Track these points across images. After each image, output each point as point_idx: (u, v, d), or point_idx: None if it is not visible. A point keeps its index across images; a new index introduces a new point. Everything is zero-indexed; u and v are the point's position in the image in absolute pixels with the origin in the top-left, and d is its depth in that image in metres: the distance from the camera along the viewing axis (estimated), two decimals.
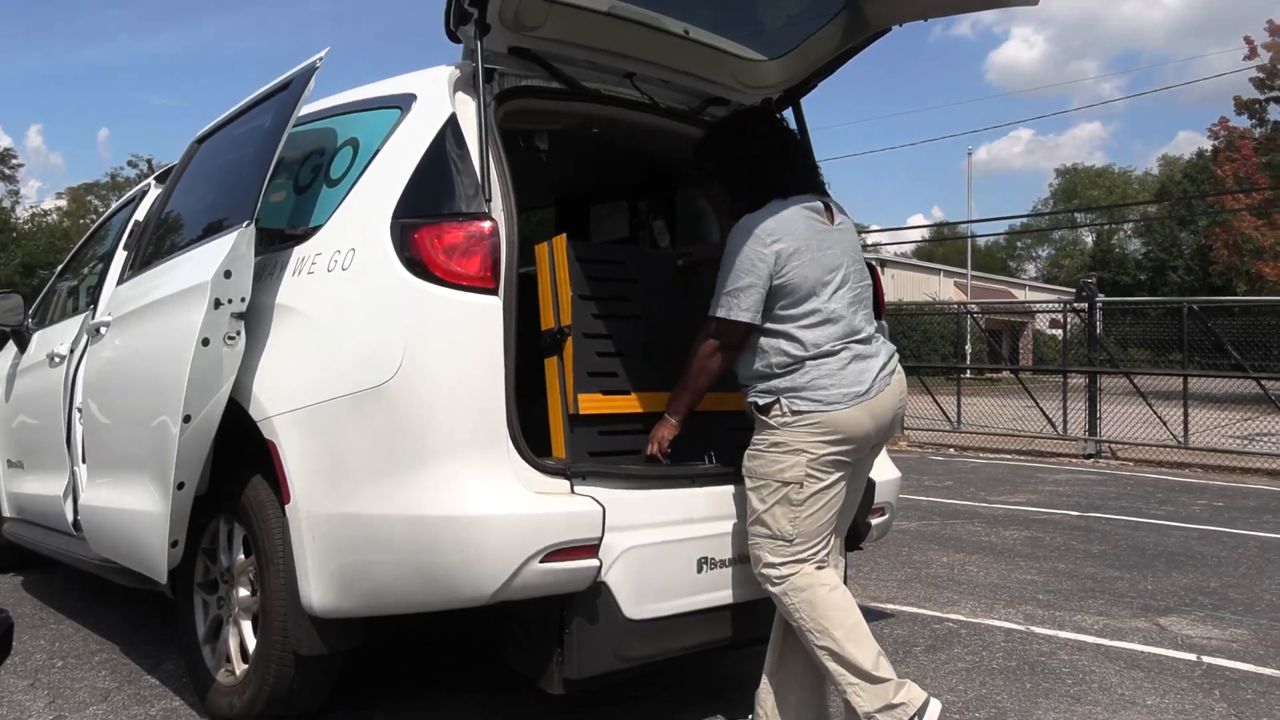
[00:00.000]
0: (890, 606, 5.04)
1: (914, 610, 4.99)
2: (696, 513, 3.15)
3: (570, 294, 3.12)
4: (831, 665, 2.92)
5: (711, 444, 3.37)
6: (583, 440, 3.11)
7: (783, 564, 2.97)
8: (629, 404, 3.26)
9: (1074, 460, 12.74)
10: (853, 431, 2.97)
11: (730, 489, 3.23)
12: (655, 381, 3.31)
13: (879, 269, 4.12)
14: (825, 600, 2.94)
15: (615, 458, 3.15)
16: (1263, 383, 12.95)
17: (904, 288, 38.72)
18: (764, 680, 3.18)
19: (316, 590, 2.97)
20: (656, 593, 3.05)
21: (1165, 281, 55.30)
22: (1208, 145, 37.38)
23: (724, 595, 3.23)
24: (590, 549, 2.84)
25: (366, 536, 2.90)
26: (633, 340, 3.30)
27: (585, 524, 2.84)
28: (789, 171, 3.15)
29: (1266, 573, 6.05)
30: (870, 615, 4.76)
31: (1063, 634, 4.64)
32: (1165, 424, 12.83)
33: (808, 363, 2.97)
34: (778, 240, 2.97)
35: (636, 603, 2.99)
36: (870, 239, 47.19)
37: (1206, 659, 4.30)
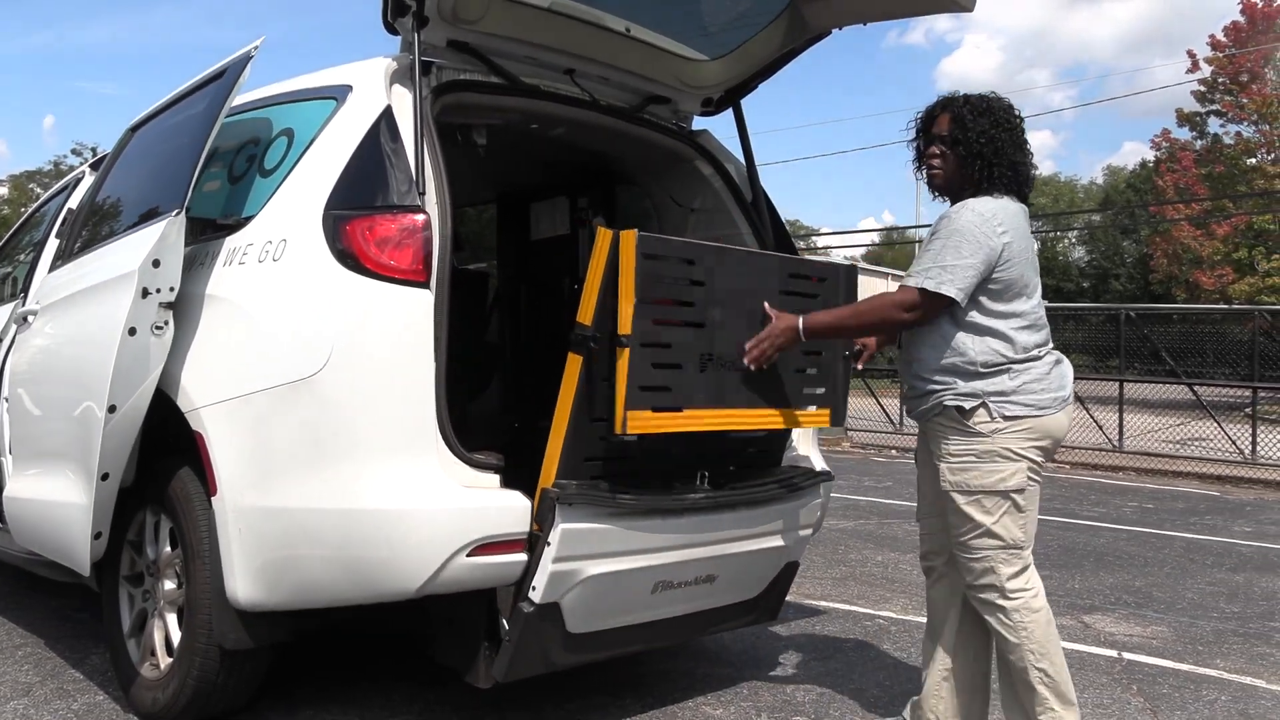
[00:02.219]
0: (824, 604, 5.10)
1: (847, 607, 5.05)
2: (672, 542, 3.14)
3: (634, 301, 2.84)
4: (1041, 688, 2.90)
5: (706, 463, 3.27)
6: (583, 452, 2.98)
7: (1015, 574, 2.92)
8: (682, 422, 2.99)
9: None
10: (1057, 435, 2.97)
11: (716, 517, 3.21)
12: (713, 398, 3.06)
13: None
14: (1050, 621, 2.95)
15: (612, 481, 3.03)
16: (1195, 389, 13.26)
17: None
18: (934, 684, 3.19)
19: (243, 583, 2.95)
20: (605, 613, 3.08)
21: (1108, 289, 56.27)
22: (1151, 156, 38.16)
23: (671, 610, 3.27)
24: (518, 543, 2.85)
25: (293, 529, 2.88)
26: (691, 352, 3.01)
27: (513, 518, 2.85)
28: (1026, 170, 3.07)
29: (1189, 573, 6.20)
30: (803, 612, 4.83)
31: None
32: (1101, 428, 13.10)
33: (1015, 366, 2.91)
34: (1006, 232, 2.91)
35: (583, 621, 3.02)
36: (820, 241, 47.56)
37: (1127, 655, 4.41)
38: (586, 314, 2.89)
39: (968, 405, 2.90)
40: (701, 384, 3.01)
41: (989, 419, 2.89)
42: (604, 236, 2.91)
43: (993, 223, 2.89)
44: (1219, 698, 3.85)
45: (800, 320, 3.01)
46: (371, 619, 3.16)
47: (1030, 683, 2.91)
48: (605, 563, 2.97)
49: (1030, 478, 2.92)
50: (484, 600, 2.93)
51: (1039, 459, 2.94)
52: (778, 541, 3.50)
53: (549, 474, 2.92)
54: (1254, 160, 31.18)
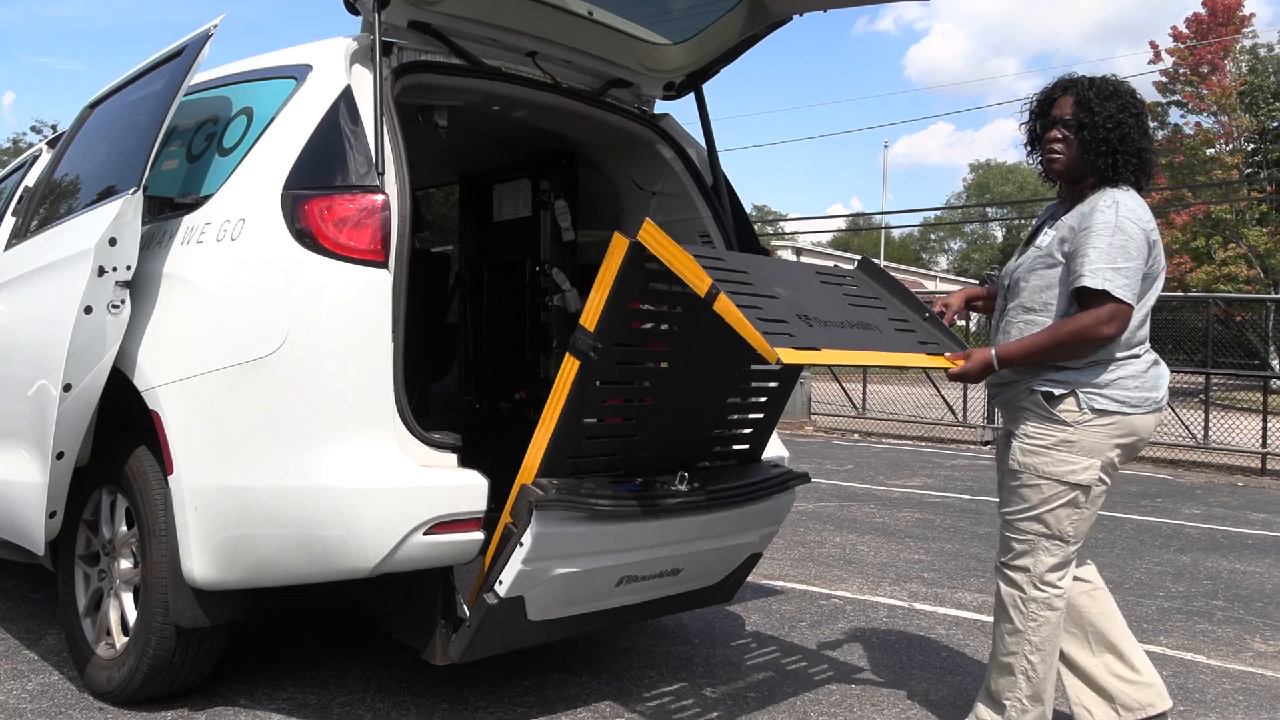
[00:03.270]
0: (781, 584, 5.17)
1: (804, 588, 5.12)
2: (645, 541, 3.15)
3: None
4: (1020, 677, 2.93)
5: (690, 459, 3.28)
6: (568, 450, 2.96)
7: (1054, 568, 2.88)
8: (826, 356, 2.78)
9: (972, 446, 13.13)
10: (1142, 436, 2.92)
11: (691, 519, 3.22)
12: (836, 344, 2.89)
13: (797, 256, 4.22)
14: (1060, 625, 2.95)
15: (595, 477, 3.03)
16: None
17: None
18: (1079, 683, 3.15)
19: (199, 562, 2.96)
20: (567, 603, 3.12)
21: None
22: None
23: (633, 599, 3.31)
24: (474, 522, 2.88)
25: (250, 508, 2.89)
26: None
27: (470, 497, 2.87)
28: (1151, 158, 2.98)
29: (1139, 553, 6.34)
30: (761, 592, 4.89)
31: (942, 610, 4.82)
32: None
33: (1115, 360, 2.87)
34: (1154, 230, 2.86)
35: (545, 610, 3.05)
36: (788, 227, 47.72)
37: None
38: (591, 319, 2.80)
39: (1058, 392, 2.86)
40: (816, 335, 2.78)
41: (1076, 409, 2.85)
42: (619, 245, 2.77)
43: (1146, 220, 2.85)
44: (1160, 672, 3.92)
45: (993, 353, 2.89)
46: (328, 597, 3.18)
47: (1011, 666, 2.94)
48: (575, 561, 3.00)
49: (1101, 476, 2.89)
50: (440, 578, 2.96)
51: (1118, 458, 2.90)
52: (748, 538, 3.56)
53: (530, 469, 2.92)
54: (1213, 151, 31.63)
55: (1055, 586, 2.91)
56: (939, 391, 14.81)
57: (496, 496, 3.37)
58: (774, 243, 41.80)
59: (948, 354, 2.97)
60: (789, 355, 2.47)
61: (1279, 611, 4.99)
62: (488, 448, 3.62)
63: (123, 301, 3.11)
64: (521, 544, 2.82)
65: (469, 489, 2.88)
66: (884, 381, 17.41)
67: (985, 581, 5.43)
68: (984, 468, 10.80)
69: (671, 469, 3.20)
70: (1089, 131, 2.91)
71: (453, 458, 2.93)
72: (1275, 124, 31.26)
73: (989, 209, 67.95)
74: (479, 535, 2.90)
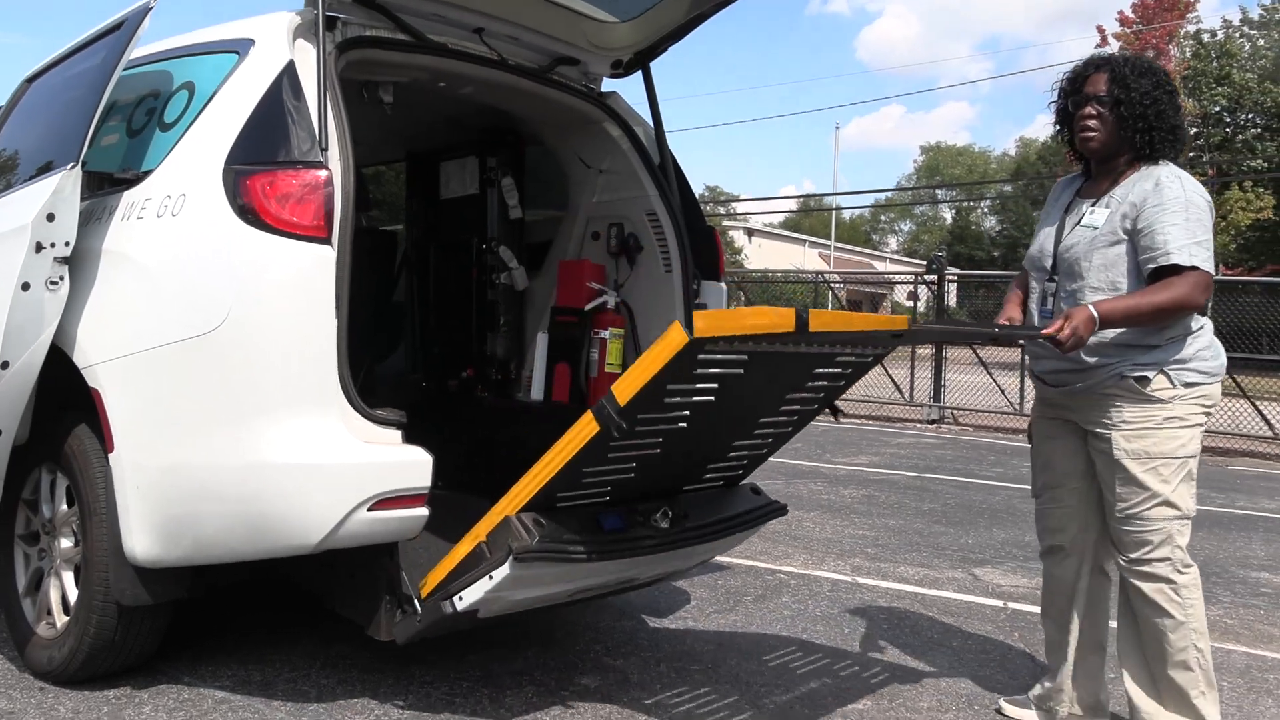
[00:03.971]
0: (726, 559, 5.23)
1: (748, 563, 5.19)
2: (611, 571, 3.15)
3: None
4: (1196, 669, 2.87)
5: (676, 485, 3.26)
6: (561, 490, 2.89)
7: (1185, 548, 2.87)
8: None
9: (919, 425, 13.32)
10: (1217, 402, 2.94)
11: (663, 555, 3.19)
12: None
13: (718, 231, 4.27)
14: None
15: (581, 512, 2.99)
16: None
17: (770, 257, 39.43)
18: (1066, 665, 3.18)
19: (140, 540, 2.95)
20: (518, 606, 3.13)
21: (1017, 258, 57.63)
22: None
23: (580, 596, 3.35)
24: (419, 498, 2.90)
25: (191, 485, 2.88)
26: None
27: (414, 473, 2.89)
28: (1185, 135, 3.00)
29: None
30: (706, 568, 4.95)
31: (885, 584, 4.91)
32: (1003, 392, 13.54)
33: (1190, 334, 2.90)
34: (1210, 204, 2.92)
35: (495, 612, 3.06)
36: (740, 208, 47.84)
37: (1012, 605, 4.63)
38: (624, 394, 2.60)
39: (1151, 374, 2.87)
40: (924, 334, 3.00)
41: (1169, 386, 2.87)
42: (677, 339, 2.46)
43: (1206, 194, 2.89)
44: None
45: (1092, 309, 2.80)
46: (273, 574, 3.18)
47: (1187, 662, 2.87)
48: (540, 588, 3.01)
49: (1201, 446, 2.92)
50: (386, 554, 2.97)
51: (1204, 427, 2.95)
52: (712, 554, 3.63)
53: (516, 500, 2.84)
54: None
55: (1192, 563, 2.91)
56: (886, 371, 14.98)
57: (444, 474, 3.39)
58: (725, 223, 41.91)
59: (1046, 330, 2.84)
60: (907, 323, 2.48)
61: None
62: (435, 425, 3.62)
63: (61, 278, 3.07)
64: (491, 577, 2.79)
65: (413, 465, 2.90)
66: None
67: (927, 556, 5.54)
68: (930, 446, 10.97)
69: (659, 494, 3.18)
70: (1125, 108, 2.92)
71: (397, 434, 2.94)
72: (1217, 108, 31.87)
73: (939, 191, 68.66)
74: (423, 511, 2.91)
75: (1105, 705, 3.21)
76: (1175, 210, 2.82)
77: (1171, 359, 2.88)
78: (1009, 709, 3.33)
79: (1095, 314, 2.78)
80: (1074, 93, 3.05)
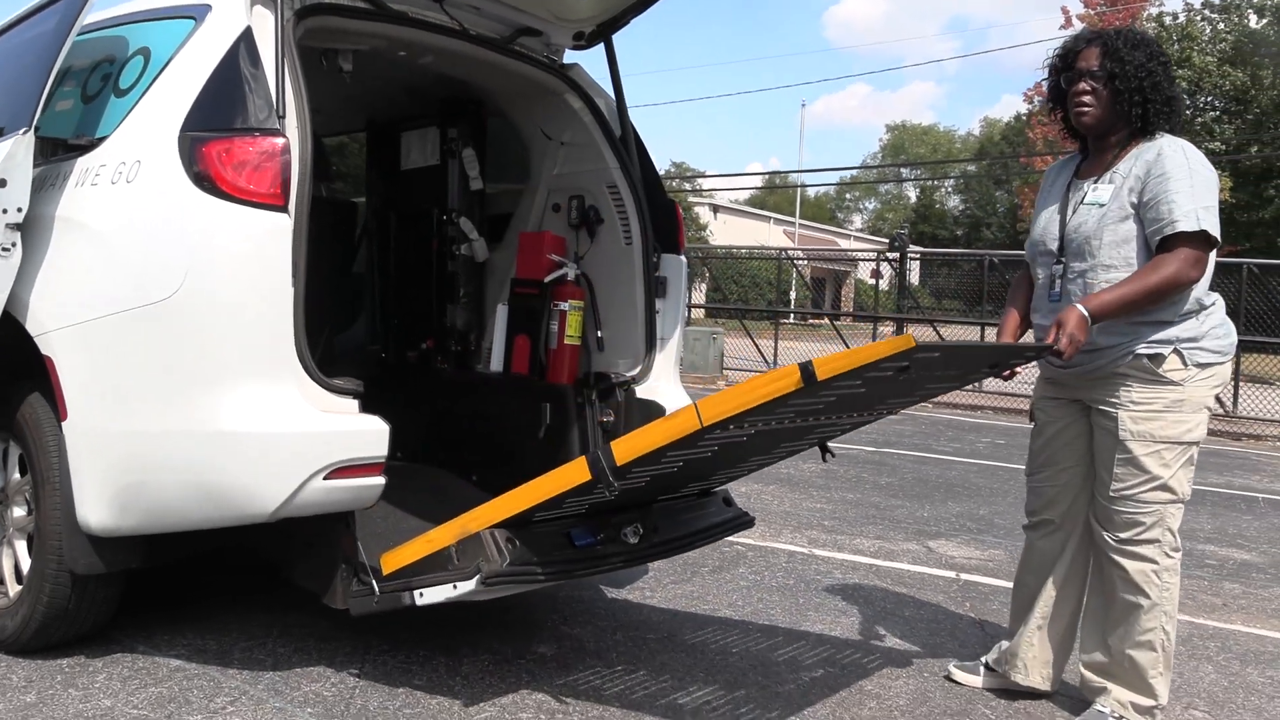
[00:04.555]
0: None
1: None
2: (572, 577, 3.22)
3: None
4: (1160, 651, 2.89)
5: (651, 496, 3.25)
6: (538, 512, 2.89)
7: (1176, 531, 2.88)
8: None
9: None
10: (1226, 383, 2.98)
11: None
12: None
13: (678, 205, 4.29)
14: None
15: (554, 529, 3.01)
16: None
17: (736, 234, 39.50)
18: (1028, 633, 3.19)
19: (94, 508, 2.93)
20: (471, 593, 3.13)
21: (979, 237, 58.14)
22: (1025, 109, 39.37)
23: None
24: (376, 467, 2.90)
25: (146, 453, 2.87)
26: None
27: (371, 442, 2.89)
28: (1180, 106, 2.98)
29: None
30: None
31: (840, 555, 4.99)
32: None
33: (1203, 310, 2.87)
34: (1214, 174, 2.89)
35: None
36: (705, 184, 47.85)
37: (965, 576, 4.72)
38: (624, 455, 2.61)
39: (1165, 352, 2.84)
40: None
41: (1182, 366, 2.84)
42: (688, 419, 2.51)
43: (1208, 162, 2.86)
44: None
45: (1080, 309, 2.76)
46: (229, 544, 3.18)
47: (1152, 643, 2.89)
48: (503, 593, 3.04)
49: (1205, 431, 2.90)
50: (342, 523, 2.98)
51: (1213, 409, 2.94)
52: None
53: (491, 516, 2.84)
54: None
55: (1180, 547, 2.93)
56: (848, 348, 15.10)
57: (402, 445, 3.40)
58: (690, 199, 41.89)
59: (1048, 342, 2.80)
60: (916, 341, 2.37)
61: None
62: (394, 396, 3.62)
63: (13, 244, 3.03)
64: (456, 587, 2.81)
65: (370, 434, 2.90)
66: (796, 338, 17.71)
67: (883, 529, 5.62)
68: (889, 422, 11.07)
69: (634, 504, 3.19)
70: (1120, 81, 2.89)
71: (354, 403, 2.94)
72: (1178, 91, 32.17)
73: (904, 169, 68.99)
74: (380, 480, 2.92)
75: (1059, 677, 3.27)
76: (1180, 177, 2.79)
77: (1185, 337, 2.85)
78: (958, 674, 3.39)
79: (1086, 313, 2.75)
80: (1066, 69, 3.02)
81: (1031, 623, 3.22)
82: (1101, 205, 2.93)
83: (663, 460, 2.73)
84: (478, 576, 2.77)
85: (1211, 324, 2.90)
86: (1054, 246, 3.04)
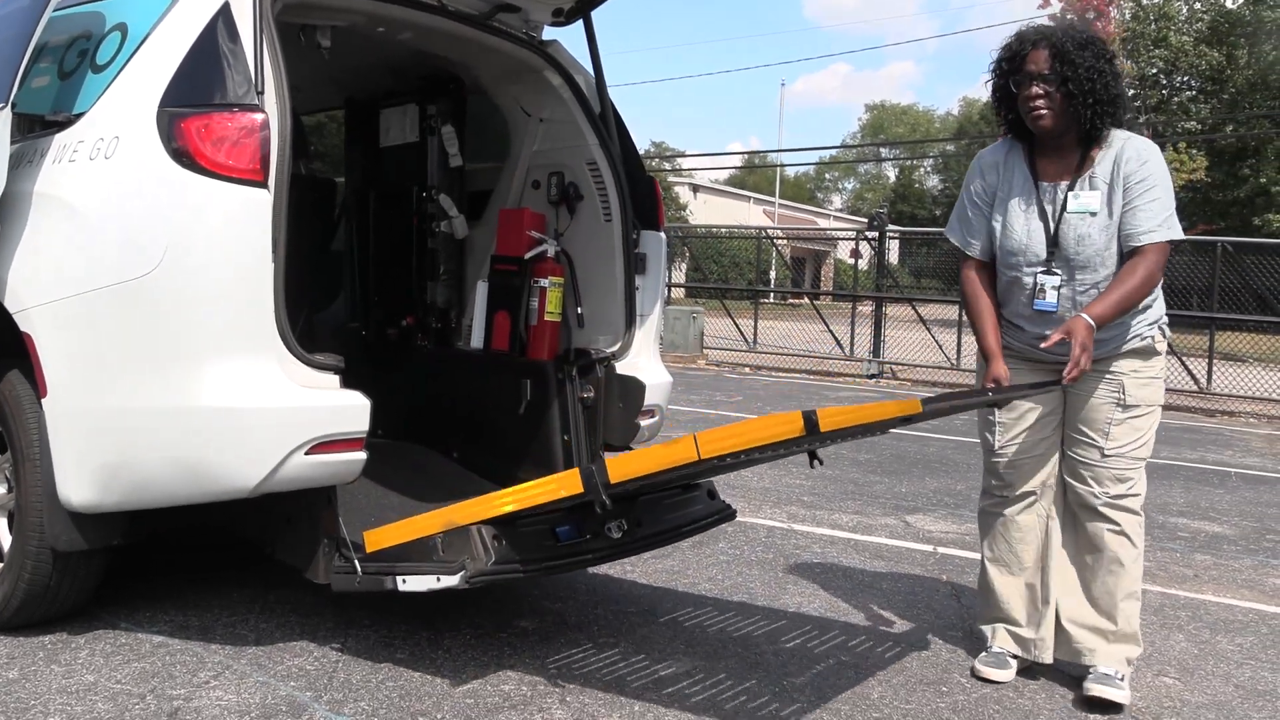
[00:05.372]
0: None
1: None
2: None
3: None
4: (1137, 600, 3.12)
5: (629, 506, 3.25)
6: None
7: None
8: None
9: (858, 380, 13.53)
10: None
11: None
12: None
13: (657, 181, 4.30)
14: None
15: (538, 523, 3.05)
16: None
17: (715, 213, 39.49)
18: (1046, 613, 3.21)
19: (75, 485, 2.94)
20: None
21: None
22: None
23: None
24: (357, 441, 2.92)
25: (127, 430, 2.88)
26: None
27: (352, 417, 2.91)
28: (1126, 103, 3.07)
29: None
30: None
31: (819, 530, 5.04)
32: (941, 347, 13.80)
33: (1158, 294, 3.12)
34: None
35: None
36: (685, 164, 47.79)
37: (941, 549, 4.78)
38: (618, 474, 2.63)
39: (1154, 332, 3.10)
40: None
41: (1162, 339, 3.13)
42: (687, 448, 2.53)
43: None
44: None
45: (1086, 318, 2.88)
46: (211, 519, 3.19)
47: (1137, 593, 3.12)
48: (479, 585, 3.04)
49: None
50: (324, 498, 2.99)
51: None
52: None
53: (480, 512, 2.83)
54: None
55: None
56: (828, 327, 15.22)
57: (383, 422, 3.41)
58: (670, 179, 41.83)
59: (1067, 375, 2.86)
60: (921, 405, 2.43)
61: None
62: (375, 373, 3.63)
63: None
64: (440, 579, 2.85)
65: (351, 409, 2.91)
66: (776, 318, 17.77)
67: (861, 504, 5.68)
68: (867, 398, 11.16)
69: (619, 499, 3.15)
70: (1073, 84, 2.90)
71: (335, 378, 2.95)
72: (1154, 70, 32.37)
73: (883, 149, 69.09)
74: (361, 455, 2.94)
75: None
76: (1160, 185, 2.95)
77: (1157, 315, 3.11)
78: (989, 672, 3.24)
79: (1091, 321, 2.88)
80: (1014, 71, 3.00)
81: (1049, 599, 3.23)
82: (1094, 214, 3.00)
83: (658, 479, 2.79)
84: (462, 574, 2.82)
85: (1161, 301, 3.16)
86: (1042, 255, 3.07)
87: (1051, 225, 3.06)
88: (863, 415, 2.31)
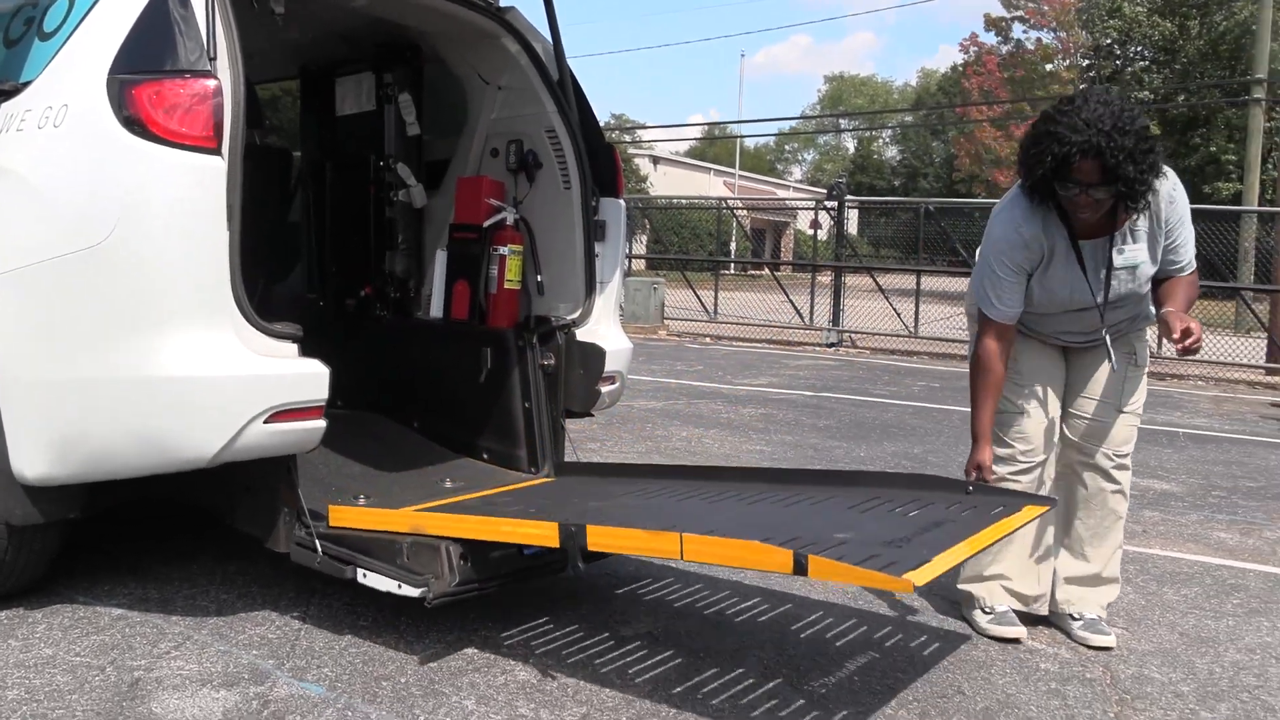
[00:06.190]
0: None
1: None
2: None
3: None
4: (1120, 550, 3.34)
5: None
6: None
7: None
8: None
9: (817, 348, 13.63)
10: None
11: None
12: None
13: (617, 150, 4.30)
14: None
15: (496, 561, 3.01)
16: None
17: (676, 185, 39.45)
18: (1045, 568, 3.35)
19: (30, 458, 2.91)
20: None
21: (916, 187, 58.70)
22: (961, 60, 39.66)
23: None
24: (316, 410, 2.91)
25: (82, 401, 2.85)
26: None
27: (311, 385, 2.90)
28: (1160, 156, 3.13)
29: (963, 440, 6.74)
30: None
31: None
32: (899, 315, 13.93)
33: None
34: None
35: None
36: (645, 135, 47.65)
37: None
38: (600, 546, 2.70)
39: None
40: (915, 550, 2.65)
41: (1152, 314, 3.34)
42: (670, 544, 2.57)
43: None
44: None
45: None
46: (170, 490, 3.18)
47: (1120, 541, 3.36)
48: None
49: None
50: (283, 467, 2.99)
51: None
52: None
53: (453, 529, 2.88)
54: (1051, 66, 32.91)
55: None
56: (788, 297, 15.31)
57: (343, 393, 3.40)
58: (631, 151, 41.70)
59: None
60: (921, 576, 2.29)
61: None
62: (333, 344, 3.61)
63: None
64: (400, 586, 2.86)
65: (310, 377, 2.91)
66: (737, 288, 17.83)
67: (820, 468, 5.73)
68: (828, 367, 11.26)
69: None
70: (1123, 185, 2.87)
71: (293, 347, 2.94)
72: (1109, 40, 32.68)
73: (842, 121, 69.24)
74: (321, 423, 2.94)
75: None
76: (1186, 219, 3.13)
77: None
78: (1000, 630, 3.28)
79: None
80: (1058, 176, 2.91)
81: (1044, 556, 3.35)
82: (1140, 263, 3.11)
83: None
84: (424, 591, 2.82)
85: None
86: (1089, 305, 3.15)
87: (1100, 282, 3.11)
88: (851, 576, 2.31)
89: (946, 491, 3.11)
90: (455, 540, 2.87)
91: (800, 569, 2.30)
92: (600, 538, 2.67)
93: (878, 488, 3.25)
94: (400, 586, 2.86)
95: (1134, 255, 3.10)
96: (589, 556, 2.83)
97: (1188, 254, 3.16)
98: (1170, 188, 3.06)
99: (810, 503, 3.15)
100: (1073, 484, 3.37)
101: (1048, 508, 3.05)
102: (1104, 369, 3.28)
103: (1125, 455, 3.31)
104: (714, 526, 2.76)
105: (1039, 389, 3.29)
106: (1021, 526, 2.91)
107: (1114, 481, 3.31)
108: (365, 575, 2.93)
